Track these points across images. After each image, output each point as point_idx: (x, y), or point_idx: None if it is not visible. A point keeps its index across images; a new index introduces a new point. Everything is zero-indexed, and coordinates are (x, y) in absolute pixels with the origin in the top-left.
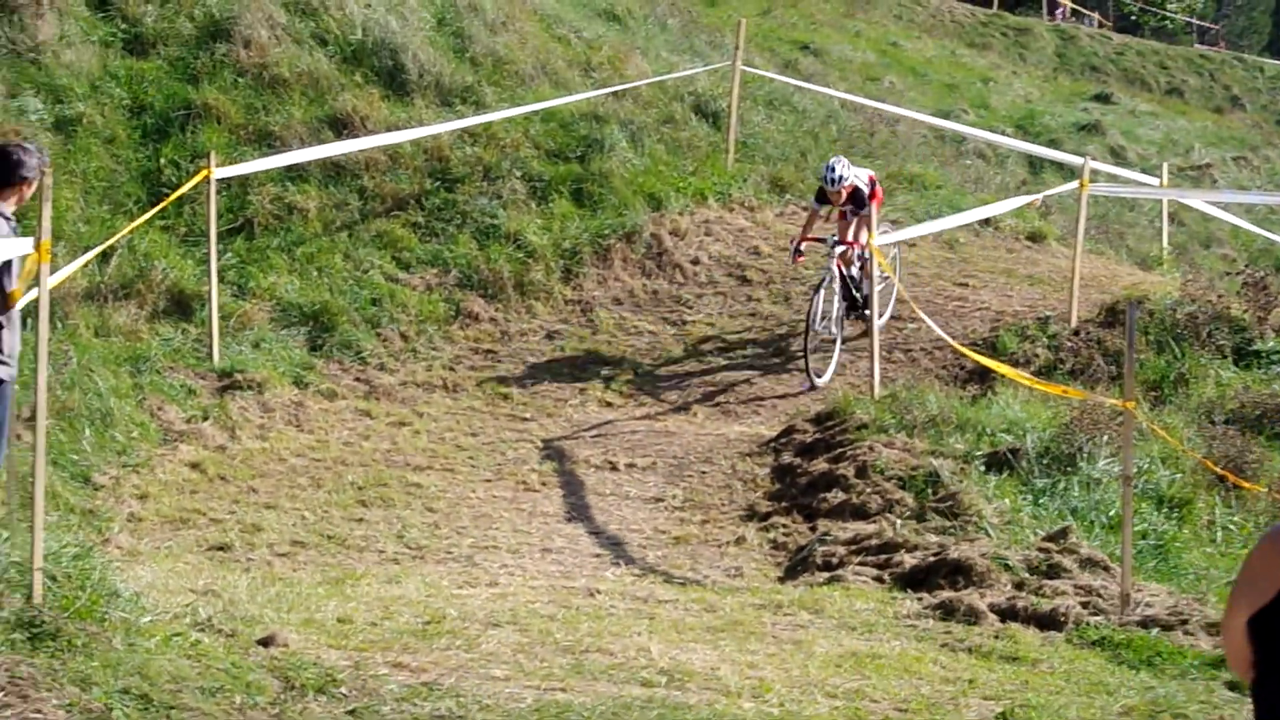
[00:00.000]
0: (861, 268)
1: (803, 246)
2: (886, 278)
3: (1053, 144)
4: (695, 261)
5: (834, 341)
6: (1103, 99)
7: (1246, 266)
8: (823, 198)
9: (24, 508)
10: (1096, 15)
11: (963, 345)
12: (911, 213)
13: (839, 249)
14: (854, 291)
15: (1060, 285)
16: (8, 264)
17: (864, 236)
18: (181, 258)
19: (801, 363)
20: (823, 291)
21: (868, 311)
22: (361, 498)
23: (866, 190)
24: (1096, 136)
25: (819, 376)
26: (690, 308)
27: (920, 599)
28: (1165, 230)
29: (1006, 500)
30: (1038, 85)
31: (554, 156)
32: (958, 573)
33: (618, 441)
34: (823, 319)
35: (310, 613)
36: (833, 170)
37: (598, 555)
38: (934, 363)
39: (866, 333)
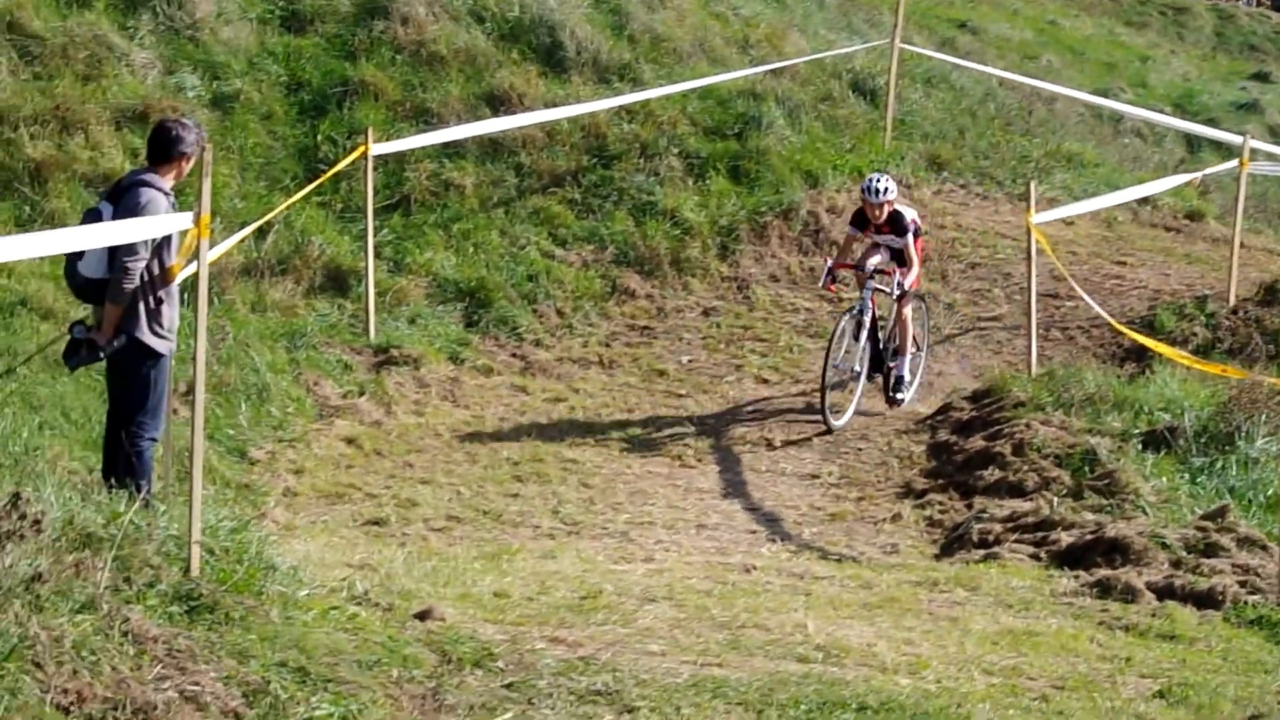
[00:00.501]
0: (897, 313)
1: (838, 273)
2: (916, 351)
3: (1210, 123)
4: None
5: (857, 378)
6: (1261, 78)
7: None
8: (860, 221)
9: (181, 482)
10: None
11: (1120, 324)
12: (1069, 191)
13: (874, 277)
14: (879, 345)
15: (1218, 264)
16: (167, 239)
17: (903, 274)
18: (338, 234)
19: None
20: (849, 322)
21: (892, 367)
22: (517, 473)
23: (909, 223)
24: (1255, 115)
25: (837, 417)
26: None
27: (1077, 577)
28: None
29: (1164, 479)
30: (1195, 64)
31: (711, 134)
32: (1114, 551)
33: (774, 418)
34: (845, 354)
35: (466, 587)
36: (875, 183)
37: (753, 531)
38: (1091, 341)
39: (889, 402)
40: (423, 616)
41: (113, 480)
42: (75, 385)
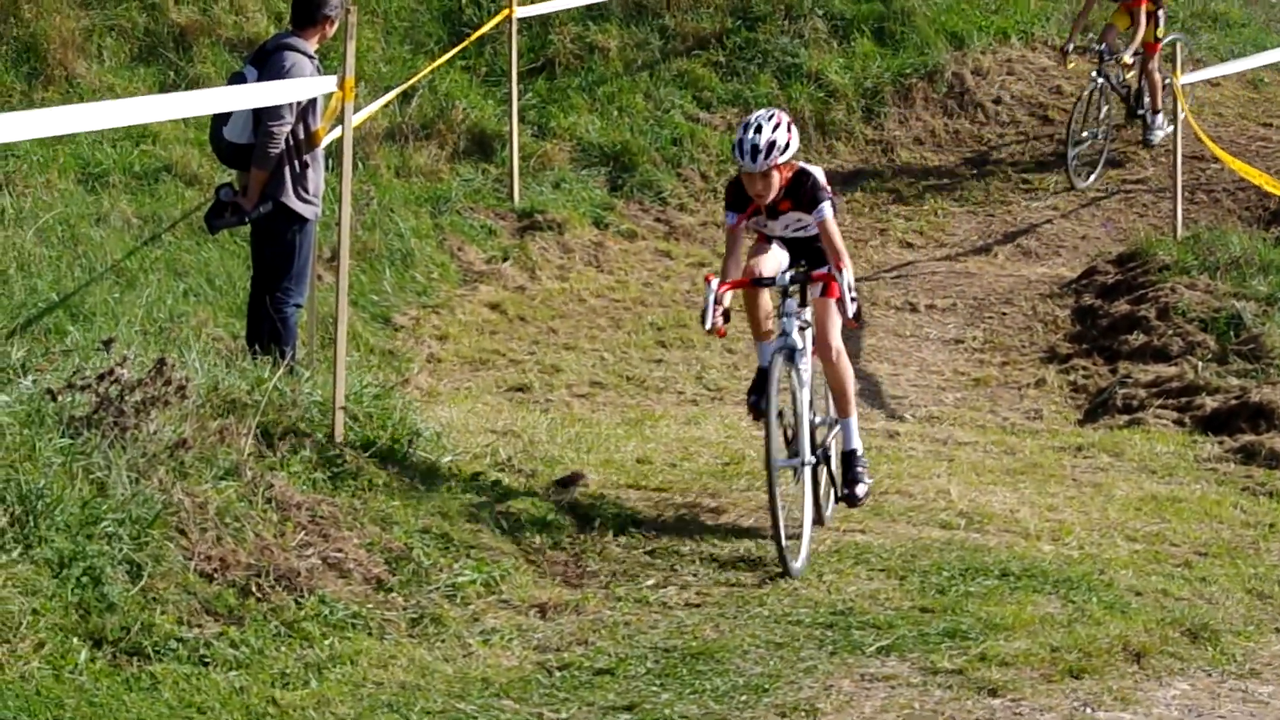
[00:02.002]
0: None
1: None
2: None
3: None
4: (997, 101)
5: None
6: None
7: None
8: (739, 200)
9: (325, 348)
10: None
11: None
12: (1216, 51)
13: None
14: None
15: None
16: (312, 103)
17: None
18: (482, 98)
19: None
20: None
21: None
22: (660, 339)
23: (819, 189)
24: None
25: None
26: (992, 147)
27: (1221, 442)
28: None
29: None
30: None
31: None
32: (1259, 416)
33: (918, 283)
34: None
35: (609, 454)
36: (755, 133)
37: (896, 397)
38: (1237, 204)
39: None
40: (565, 483)
41: (257, 346)
42: (220, 251)
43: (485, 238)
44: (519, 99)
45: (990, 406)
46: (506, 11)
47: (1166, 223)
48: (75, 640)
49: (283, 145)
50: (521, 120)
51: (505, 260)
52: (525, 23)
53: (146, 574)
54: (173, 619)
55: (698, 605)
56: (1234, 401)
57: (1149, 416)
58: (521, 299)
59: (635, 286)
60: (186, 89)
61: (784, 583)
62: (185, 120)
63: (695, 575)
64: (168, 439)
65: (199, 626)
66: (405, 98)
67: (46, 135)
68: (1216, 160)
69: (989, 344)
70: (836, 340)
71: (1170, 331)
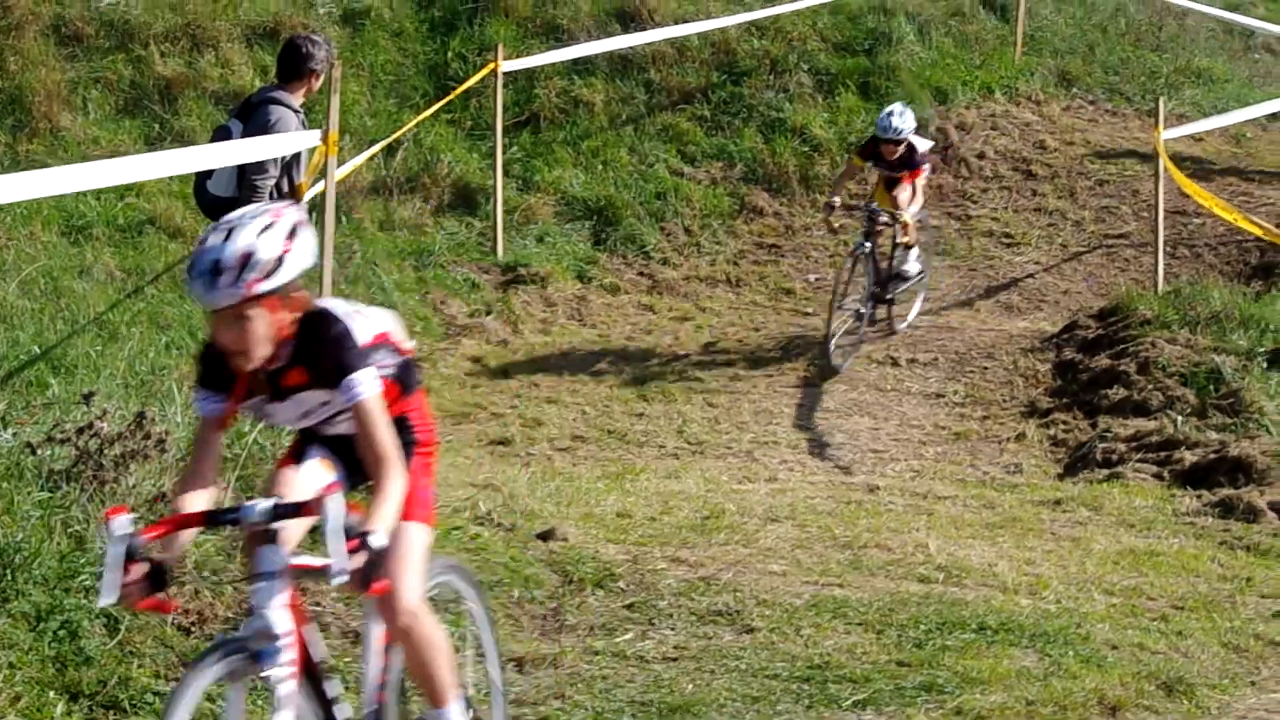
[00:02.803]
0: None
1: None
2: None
3: None
4: (981, 156)
5: (861, 318)
6: None
7: None
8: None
9: None
10: None
11: (1250, 242)
12: (1199, 107)
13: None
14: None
15: None
16: (296, 157)
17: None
18: (467, 151)
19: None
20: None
21: (890, 299)
22: (642, 392)
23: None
24: None
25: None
26: (975, 202)
27: (1200, 496)
28: None
29: None
30: None
31: (841, 49)
32: (1238, 470)
33: (899, 337)
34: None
35: (590, 507)
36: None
37: (877, 451)
38: (1218, 258)
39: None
40: (545, 537)
41: None
42: None
43: (468, 291)
44: (504, 153)
45: (970, 460)
46: (492, 65)
47: (1148, 277)
48: (52, 694)
49: (266, 199)
50: (506, 174)
51: (488, 314)
52: (510, 76)
53: (124, 627)
54: (149, 672)
55: (675, 659)
56: (1213, 456)
57: (1128, 471)
58: (504, 352)
59: (618, 340)
60: (171, 141)
61: (761, 636)
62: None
63: (673, 629)
64: (147, 492)
65: (176, 680)
66: (390, 151)
67: (34, 197)
68: (1198, 215)
69: (970, 398)
70: (409, 593)
71: (1150, 386)
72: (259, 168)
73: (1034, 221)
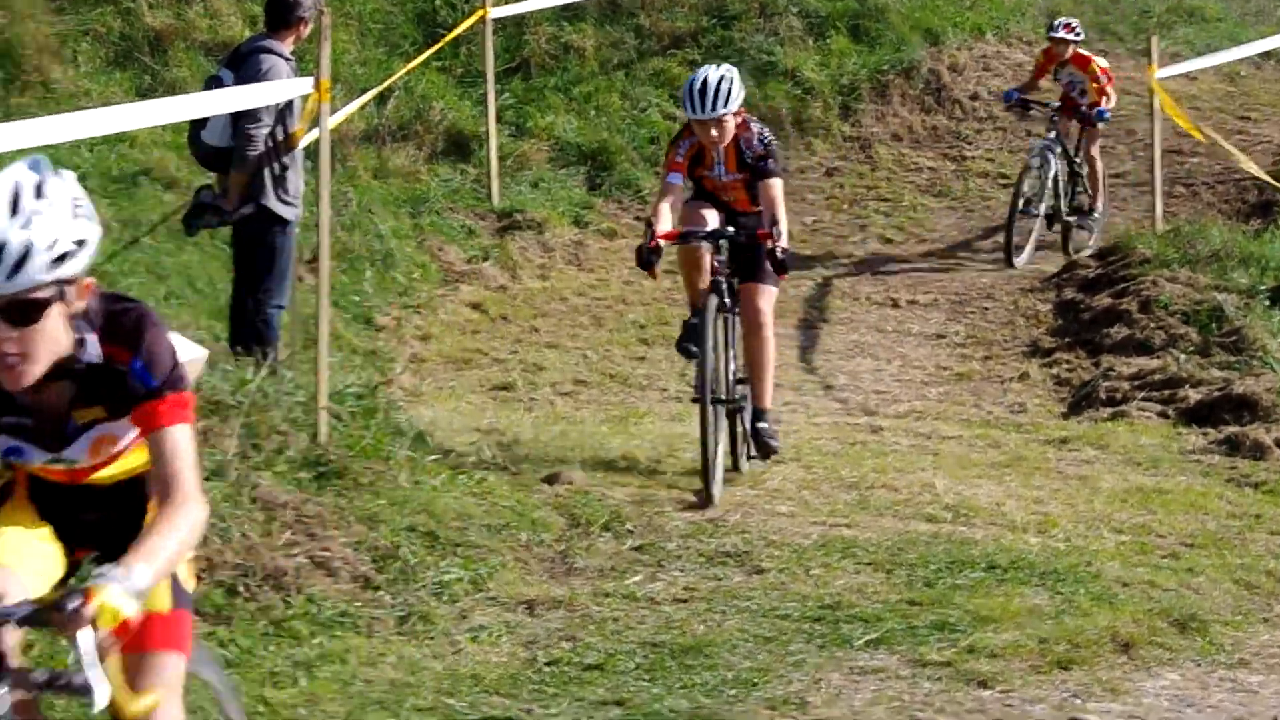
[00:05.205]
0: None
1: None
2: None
3: None
4: (974, 97)
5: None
6: None
7: None
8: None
9: (307, 349)
10: None
11: (1246, 181)
12: (1191, 45)
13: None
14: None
15: None
16: (289, 105)
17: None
18: (459, 99)
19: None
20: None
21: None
22: (643, 336)
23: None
24: None
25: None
26: (969, 143)
27: (1205, 434)
28: None
29: None
30: None
31: None
32: (1243, 407)
33: (899, 278)
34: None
35: (594, 451)
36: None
37: (880, 392)
38: (1216, 197)
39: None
40: (551, 480)
41: (239, 348)
42: (200, 254)
43: (465, 238)
44: (496, 99)
45: (974, 401)
46: (481, 12)
47: (1146, 216)
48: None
49: (261, 148)
50: (499, 120)
51: (486, 260)
52: (500, 23)
53: None
54: None
55: (685, 601)
56: (1217, 393)
57: (1133, 409)
58: (503, 298)
59: (616, 284)
60: (163, 92)
61: (771, 577)
62: (163, 125)
63: (682, 570)
64: None
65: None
66: (382, 99)
67: (26, 146)
68: (1195, 154)
69: (971, 339)
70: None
71: (1152, 324)
72: (252, 116)
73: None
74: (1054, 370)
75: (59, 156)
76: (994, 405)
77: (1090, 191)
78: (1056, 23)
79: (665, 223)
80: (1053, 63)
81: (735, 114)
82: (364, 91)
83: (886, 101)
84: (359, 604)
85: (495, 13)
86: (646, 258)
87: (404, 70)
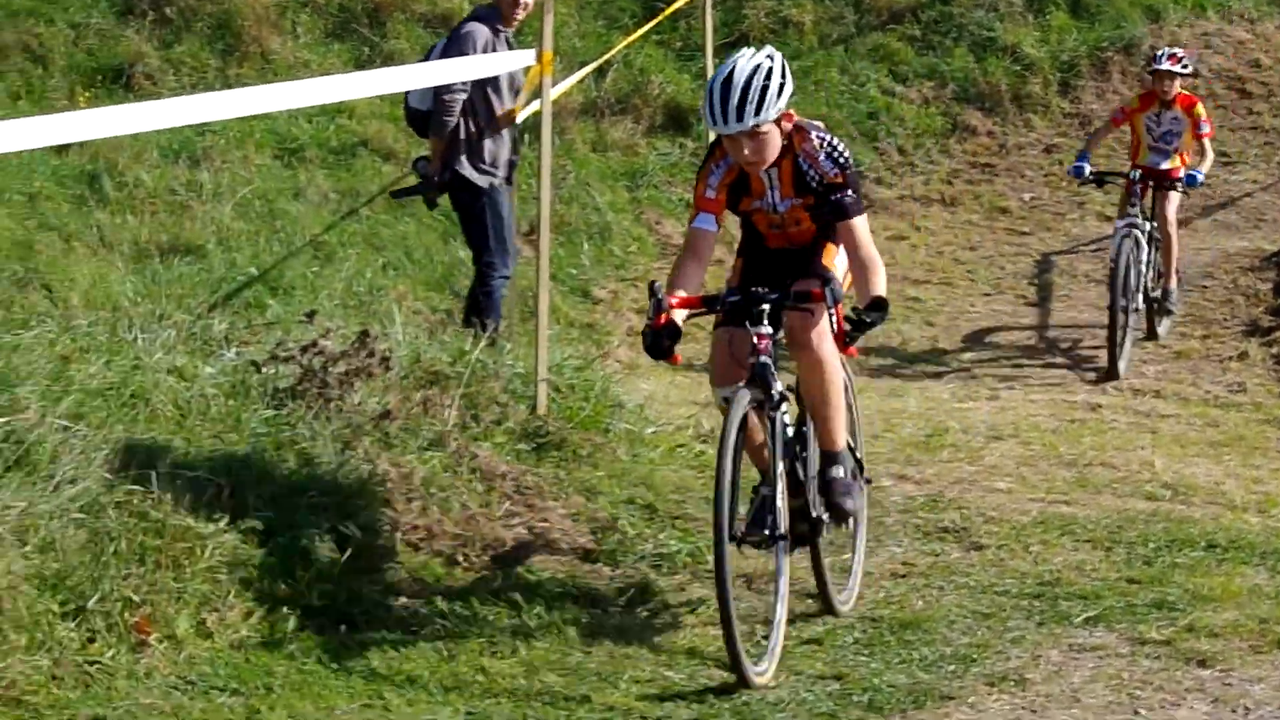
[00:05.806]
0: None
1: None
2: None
3: None
4: (1195, 75)
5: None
6: None
7: None
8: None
9: (525, 321)
10: None
11: None
12: None
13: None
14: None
15: None
16: (495, 77)
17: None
18: (677, 72)
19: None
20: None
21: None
22: None
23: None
24: None
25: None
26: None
27: None
28: None
29: None
30: None
31: None
32: None
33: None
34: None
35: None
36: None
37: (1097, 369)
38: None
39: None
40: None
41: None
42: (417, 225)
43: (682, 211)
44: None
45: (1192, 379)
46: None
47: None
48: (284, 609)
49: (456, 115)
50: None
51: None
52: None
53: (353, 543)
54: (380, 588)
55: (903, 575)
56: None
57: None
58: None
59: None
60: (381, 64)
61: (989, 553)
62: (380, 96)
63: (900, 545)
64: (372, 410)
65: (406, 595)
66: (600, 73)
67: (243, 115)
68: None
69: (1190, 317)
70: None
71: None
72: (447, 85)
73: (1250, 140)
74: (1274, 349)
75: (277, 127)
76: (1212, 384)
77: (1165, 268)
78: (1160, 53)
79: (684, 285)
80: (1149, 106)
81: (781, 118)
82: (583, 65)
83: (1106, 78)
84: (578, 575)
85: None
86: (658, 342)
87: (623, 44)
